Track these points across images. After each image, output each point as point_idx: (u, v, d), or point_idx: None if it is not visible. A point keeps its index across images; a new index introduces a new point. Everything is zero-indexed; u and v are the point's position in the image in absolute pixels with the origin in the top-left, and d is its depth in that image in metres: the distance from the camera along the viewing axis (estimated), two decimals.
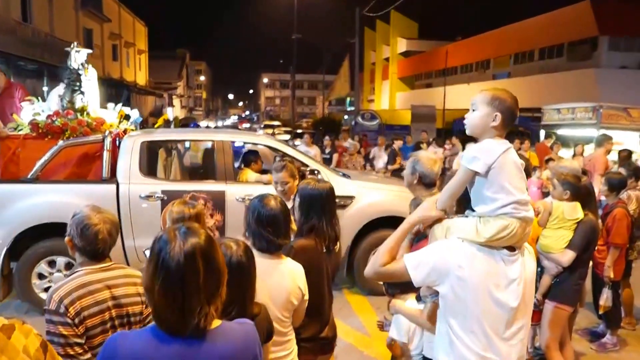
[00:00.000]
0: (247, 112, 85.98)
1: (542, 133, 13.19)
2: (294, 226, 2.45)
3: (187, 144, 5.80)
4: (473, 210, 1.63)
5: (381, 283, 2.54)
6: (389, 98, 39.94)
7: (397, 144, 10.74)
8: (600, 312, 3.86)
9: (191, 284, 1.15)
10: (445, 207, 1.69)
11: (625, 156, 6.42)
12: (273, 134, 20.02)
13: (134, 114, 5.63)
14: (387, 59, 41.21)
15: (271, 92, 75.70)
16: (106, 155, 4.51)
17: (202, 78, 73.70)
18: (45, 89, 13.14)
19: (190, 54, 58.31)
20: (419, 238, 1.90)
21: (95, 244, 1.78)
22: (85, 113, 4.94)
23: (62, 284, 1.74)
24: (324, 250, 2.29)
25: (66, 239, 1.84)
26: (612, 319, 4.00)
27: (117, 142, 4.68)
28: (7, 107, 5.25)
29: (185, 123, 24.29)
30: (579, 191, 3.17)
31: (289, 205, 2.81)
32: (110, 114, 5.32)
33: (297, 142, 15.93)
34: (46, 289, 4.15)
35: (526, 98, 19.53)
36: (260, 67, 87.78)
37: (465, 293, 1.57)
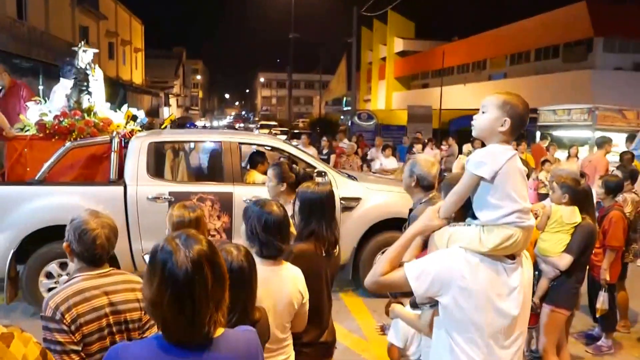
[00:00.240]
0: (244, 112, 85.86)
1: (538, 134, 13.24)
2: (293, 230, 2.44)
3: (192, 145, 5.77)
4: (474, 217, 1.60)
5: None
6: (386, 98, 39.96)
7: (417, 148, 10.49)
8: (597, 315, 3.87)
9: (201, 292, 1.14)
10: (449, 215, 1.65)
11: (629, 158, 6.42)
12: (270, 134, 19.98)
13: (140, 114, 5.60)
14: (383, 59, 41.23)
15: (268, 92, 75.61)
16: (114, 157, 4.48)
17: (199, 77, 73.50)
18: (41, 87, 13.07)
19: (186, 53, 58.19)
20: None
21: (93, 250, 1.76)
22: (92, 113, 4.91)
23: (59, 290, 1.72)
24: (324, 255, 2.28)
25: (64, 244, 1.81)
26: (608, 322, 4.01)
27: (123, 143, 4.65)
28: (12, 107, 5.21)
29: (181, 123, 24.21)
30: (578, 195, 3.18)
31: (289, 209, 2.81)
32: (117, 115, 5.28)
33: (294, 142, 15.89)
34: None
35: None
36: (257, 67, 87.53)
37: (468, 303, 1.54)
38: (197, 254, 1.15)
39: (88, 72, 5.08)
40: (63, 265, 4.29)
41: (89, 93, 5.03)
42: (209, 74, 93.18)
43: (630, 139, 8.12)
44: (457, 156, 10.69)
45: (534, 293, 3.22)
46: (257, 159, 5.08)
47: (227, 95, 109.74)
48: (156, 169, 4.64)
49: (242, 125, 43.69)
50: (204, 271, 1.14)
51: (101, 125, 4.80)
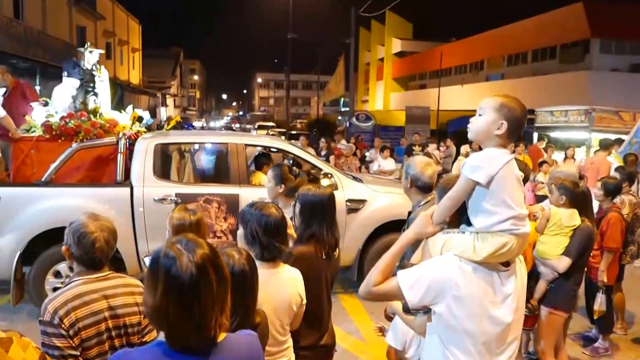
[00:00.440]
0: (241, 113, 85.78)
1: (535, 135, 13.29)
2: (292, 232, 2.44)
3: (196, 146, 5.77)
4: (468, 224, 1.57)
5: None
6: (383, 99, 40.01)
7: (432, 147, 10.31)
8: (595, 317, 3.88)
9: (207, 296, 1.13)
10: (443, 220, 1.61)
11: (633, 160, 6.43)
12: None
13: (146, 115, 5.60)
14: (381, 59, 41.28)
15: (265, 92, 75.55)
16: (120, 158, 4.48)
17: (196, 77, 73.37)
18: (37, 87, 13.02)
19: (184, 53, 58.06)
20: None
21: (92, 253, 1.74)
22: (98, 115, 4.90)
23: (58, 294, 1.71)
24: (324, 257, 2.28)
25: (63, 247, 1.80)
26: (605, 323, 4.02)
27: (128, 144, 4.65)
28: (16, 108, 5.19)
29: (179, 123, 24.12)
30: (576, 197, 3.19)
31: (289, 213, 2.81)
32: (122, 116, 5.28)
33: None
34: None
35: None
36: (255, 67, 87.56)
37: (461, 312, 1.52)
38: (200, 257, 1.14)
39: (94, 72, 5.07)
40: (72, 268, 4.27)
41: (95, 94, 5.02)
42: (207, 74, 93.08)
43: (618, 142, 8.13)
44: (456, 157, 10.70)
45: (532, 295, 3.24)
46: (262, 161, 5.08)
47: (224, 96, 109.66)
48: (163, 170, 4.64)
49: (237, 126, 43.47)
50: (208, 275, 1.14)
51: (107, 126, 4.79)
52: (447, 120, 18.84)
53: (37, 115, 4.89)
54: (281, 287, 2.00)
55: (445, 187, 1.70)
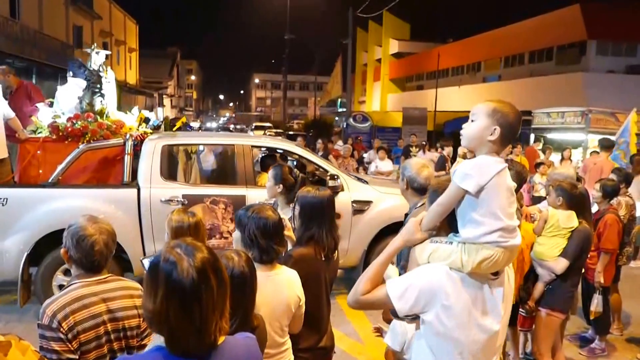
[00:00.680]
0: (239, 113, 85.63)
1: (532, 137, 13.34)
2: (291, 234, 2.44)
3: (203, 148, 5.78)
4: (456, 231, 1.55)
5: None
6: (380, 100, 40.05)
7: (447, 150, 10.12)
8: (591, 317, 3.90)
9: (207, 300, 1.13)
10: (432, 227, 1.58)
11: (638, 160, 6.48)
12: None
13: (152, 116, 5.60)
14: (378, 60, 41.32)
15: (262, 93, 75.45)
16: (127, 159, 4.48)
17: (193, 77, 73.22)
18: None
19: (181, 53, 57.94)
20: None
21: (91, 256, 1.73)
22: (104, 116, 4.90)
23: (56, 297, 1.70)
24: (323, 259, 2.28)
25: (62, 250, 1.79)
26: (602, 324, 4.05)
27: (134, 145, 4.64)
28: (20, 108, 5.18)
29: (175, 124, 24.05)
30: (573, 198, 3.20)
31: (287, 214, 2.81)
32: (128, 117, 5.28)
33: None
34: None
35: (516, 101, 19.43)
36: (252, 68, 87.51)
37: (450, 321, 1.51)
38: (200, 262, 1.14)
39: (101, 74, 5.06)
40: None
41: (102, 95, 5.01)
42: (204, 75, 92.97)
43: (607, 147, 8.16)
44: (454, 159, 10.69)
45: (529, 296, 3.26)
46: (268, 162, 5.09)
47: (221, 96, 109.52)
48: (169, 171, 4.65)
49: (232, 127, 43.19)
50: (209, 279, 1.14)
51: (114, 127, 4.79)
52: (444, 121, 18.87)
53: (44, 116, 4.89)
54: (279, 288, 2.00)
55: (436, 190, 1.68)
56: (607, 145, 7.32)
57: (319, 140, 10.97)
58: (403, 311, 1.54)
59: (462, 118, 1.65)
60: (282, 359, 2.03)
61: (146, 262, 2.23)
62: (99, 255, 1.75)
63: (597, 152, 7.69)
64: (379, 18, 33.89)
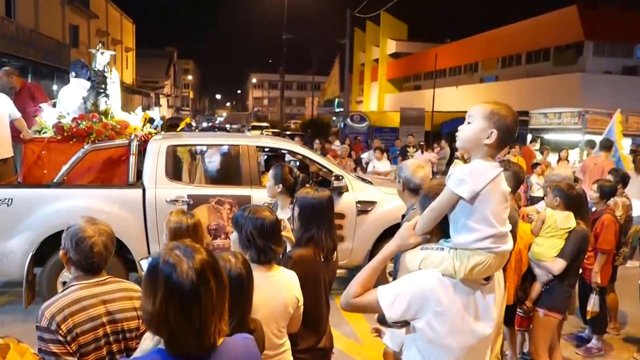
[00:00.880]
0: (234, 112, 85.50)
1: (529, 137, 13.39)
2: (290, 235, 2.44)
3: (208, 148, 5.79)
4: (448, 236, 1.53)
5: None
6: (378, 100, 40.09)
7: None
8: (588, 317, 3.92)
9: (207, 302, 1.13)
10: (425, 232, 1.57)
11: None
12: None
13: (156, 117, 5.61)
14: (376, 60, 41.37)
15: (259, 93, 75.38)
16: (132, 159, 4.47)
17: (190, 77, 73.10)
18: None
19: (178, 52, 57.86)
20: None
21: (91, 257, 1.73)
22: (109, 116, 4.90)
23: (55, 299, 1.69)
24: (322, 260, 2.28)
25: (60, 252, 1.78)
26: (598, 324, 4.06)
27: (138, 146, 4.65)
28: (24, 109, 5.17)
29: (172, 123, 24.03)
30: (570, 199, 3.21)
31: (287, 214, 2.80)
32: (132, 117, 5.28)
33: None
34: None
35: (513, 101, 19.72)
36: (249, 67, 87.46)
37: (442, 327, 1.50)
38: (200, 263, 1.14)
39: (106, 74, 5.05)
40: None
41: (107, 95, 5.00)
42: (200, 74, 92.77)
43: (590, 144, 8.20)
44: (451, 159, 10.73)
45: (527, 296, 3.27)
46: (273, 163, 5.09)
47: (218, 96, 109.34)
48: (175, 171, 4.64)
49: (226, 126, 43.04)
50: (208, 280, 1.14)
51: (119, 128, 4.80)
52: (442, 121, 18.91)
53: (48, 116, 4.89)
54: (276, 289, 2.00)
55: (427, 194, 1.66)
56: (605, 146, 7.34)
57: (317, 141, 10.98)
58: (394, 318, 1.53)
59: (460, 118, 1.61)
60: None
61: (144, 263, 2.22)
62: (99, 256, 1.74)
63: (587, 150, 7.73)
64: (377, 18, 33.97)
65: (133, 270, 4.38)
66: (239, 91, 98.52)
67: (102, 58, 5.08)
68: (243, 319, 1.60)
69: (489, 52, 28.92)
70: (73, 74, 5.27)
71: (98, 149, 4.54)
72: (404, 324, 1.58)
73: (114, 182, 4.58)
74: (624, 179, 4.70)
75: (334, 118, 28.35)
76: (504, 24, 26.84)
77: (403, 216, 2.77)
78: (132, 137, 4.60)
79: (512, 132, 1.50)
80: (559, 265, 3.13)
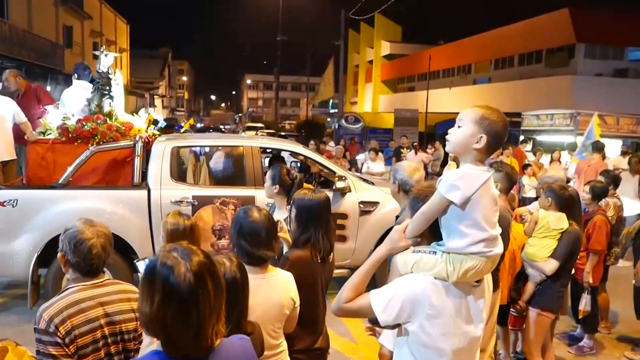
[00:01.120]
0: (231, 112, 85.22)
1: (521, 138, 13.49)
2: (288, 237, 2.45)
3: (212, 149, 5.81)
4: (439, 239, 1.55)
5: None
6: (372, 101, 40.16)
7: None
8: (580, 316, 3.97)
9: (205, 304, 1.13)
10: (416, 235, 1.58)
11: (637, 161, 6.59)
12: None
13: (160, 118, 5.60)
14: (370, 62, 41.44)
15: (254, 94, 75.20)
16: (137, 161, 4.48)
17: (185, 78, 72.81)
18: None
19: (172, 53, 57.61)
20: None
21: (89, 259, 1.73)
22: (113, 118, 4.90)
23: (53, 301, 1.69)
24: (319, 261, 2.29)
25: (58, 254, 1.78)
26: (590, 323, 4.11)
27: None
28: (28, 111, 5.16)
29: (168, 124, 23.90)
30: (562, 200, 3.25)
31: (284, 215, 2.82)
32: (137, 119, 5.28)
33: None
34: None
35: (506, 103, 19.91)
36: (244, 68, 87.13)
37: (435, 330, 1.51)
38: (197, 265, 1.14)
39: (110, 76, 5.05)
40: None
41: (111, 97, 5.00)
42: (195, 75, 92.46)
43: (571, 146, 8.31)
44: (445, 160, 10.78)
45: (520, 296, 3.31)
46: (275, 164, 5.11)
47: (213, 97, 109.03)
48: (179, 172, 4.66)
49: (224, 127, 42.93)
50: (206, 282, 1.14)
51: (123, 129, 4.80)
52: (435, 122, 19.00)
53: (53, 118, 4.89)
54: (272, 290, 2.00)
55: (416, 196, 1.66)
56: (598, 147, 7.44)
57: (311, 142, 10.98)
58: (387, 322, 1.54)
59: (453, 120, 1.63)
60: None
61: (140, 265, 2.22)
62: (97, 258, 1.74)
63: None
64: (371, 20, 34.01)
65: (138, 272, 4.38)
66: (233, 92, 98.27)
67: (106, 60, 5.08)
68: (240, 322, 1.61)
69: (481, 54, 29.08)
70: (75, 75, 5.26)
71: (103, 150, 4.55)
72: (396, 325, 1.59)
73: (119, 184, 4.59)
74: (615, 180, 4.76)
75: (329, 119, 28.37)
76: (497, 27, 27.01)
77: (397, 217, 2.80)
78: (137, 138, 4.61)
79: (501, 137, 1.52)
80: (551, 266, 3.18)
